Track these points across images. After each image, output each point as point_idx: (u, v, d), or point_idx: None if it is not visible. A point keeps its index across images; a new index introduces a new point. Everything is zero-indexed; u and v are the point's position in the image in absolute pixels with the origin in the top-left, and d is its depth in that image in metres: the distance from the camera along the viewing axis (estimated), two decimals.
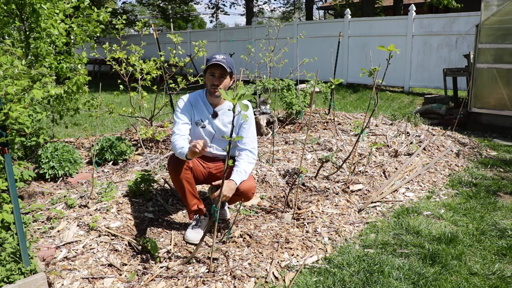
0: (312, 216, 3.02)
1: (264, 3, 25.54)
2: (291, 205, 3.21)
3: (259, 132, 5.15)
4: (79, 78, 3.62)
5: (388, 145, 4.62)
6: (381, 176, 3.87)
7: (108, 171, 3.86)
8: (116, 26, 4.50)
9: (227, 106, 2.70)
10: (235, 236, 2.71)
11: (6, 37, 3.74)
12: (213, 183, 2.67)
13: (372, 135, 5.06)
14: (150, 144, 4.64)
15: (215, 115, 2.70)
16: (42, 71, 2.82)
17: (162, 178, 3.48)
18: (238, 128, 2.70)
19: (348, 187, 3.53)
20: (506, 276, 2.30)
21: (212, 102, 2.69)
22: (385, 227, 2.93)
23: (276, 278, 2.30)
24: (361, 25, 11.21)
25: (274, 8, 28.09)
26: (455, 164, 4.42)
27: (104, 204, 2.94)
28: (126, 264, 2.38)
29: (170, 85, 4.56)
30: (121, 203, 2.99)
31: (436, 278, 2.28)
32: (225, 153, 2.77)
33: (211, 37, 15.51)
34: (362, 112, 7.43)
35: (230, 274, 2.28)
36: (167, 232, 2.78)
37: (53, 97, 3.68)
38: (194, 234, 2.67)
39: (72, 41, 4.00)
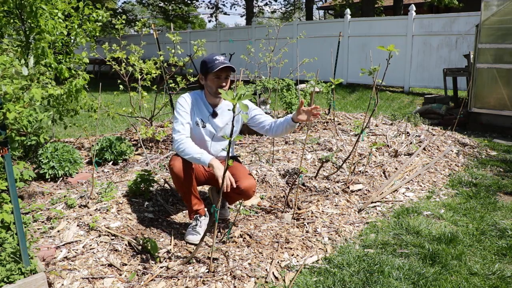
0: (312, 216, 3.02)
1: (265, 4, 25.59)
2: (291, 205, 3.21)
3: None
4: (78, 81, 3.62)
5: (388, 145, 4.62)
6: (381, 176, 3.86)
7: (108, 171, 3.86)
8: (116, 26, 4.50)
9: (225, 105, 2.72)
10: (235, 236, 2.71)
11: (6, 37, 3.74)
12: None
13: (372, 135, 5.06)
14: (150, 144, 4.64)
15: (215, 114, 2.71)
16: (40, 70, 2.81)
17: (162, 178, 3.48)
18: (250, 119, 2.78)
19: (348, 187, 3.52)
20: (506, 276, 2.30)
21: (211, 102, 2.71)
22: (385, 227, 2.93)
23: (276, 278, 2.30)
24: (361, 25, 11.21)
25: (275, 9, 28.00)
26: (455, 164, 4.42)
27: (104, 204, 2.94)
28: (126, 264, 2.38)
29: (170, 85, 4.56)
30: (121, 203, 2.99)
31: (436, 278, 2.28)
32: (225, 154, 2.77)
33: (211, 37, 15.51)
34: (362, 112, 7.42)
35: (230, 274, 2.28)
36: (167, 232, 2.78)
37: (52, 98, 3.68)
38: (194, 234, 2.67)
39: (72, 41, 3.99)
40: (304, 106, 2.50)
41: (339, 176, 3.74)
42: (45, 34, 3.44)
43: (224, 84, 2.62)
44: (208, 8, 26.31)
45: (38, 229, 2.63)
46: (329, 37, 11.61)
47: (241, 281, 2.23)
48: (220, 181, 2.30)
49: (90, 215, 2.79)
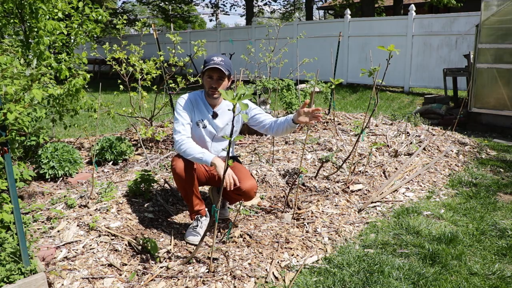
0: (312, 216, 3.02)
1: (264, 4, 25.59)
2: (291, 205, 3.21)
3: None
4: (77, 81, 3.62)
5: (388, 145, 4.62)
6: (381, 176, 3.86)
7: (108, 171, 3.86)
8: (117, 26, 4.51)
9: (225, 105, 2.72)
10: (235, 236, 2.71)
11: (6, 37, 3.74)
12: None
13: (372, 135, 5.06)
14: (150, 144, 4.64)
15: (215, 115, 2.72)
16: (41, 71, 2.81)
17: (162, 178, 3.48)
18: (250, 118, 2.76)
19: (348, 187, 3.52)
20: (506, 276, 2.30)
21: (211, 102, 2.72)
22: (385, 227, 2.93)
23: (276, 278, 2.30)
24: (361, 25, 11.21)
25: (274, 9, 28.01)
26: (455, 164, 4.42)
27: (104, 204, 2.94)
28: (126, 264, 2.38)
29: (170, 85, 4.56)
30: (121, 203, 2.99)
31: (436, 278, 2.28)
32: (225, 154, 2.77)
33: (211, 37, 15.50)
34: (362, 112, 7.43)
35: (230, 274, 2.28)
36: (167, 232, 2.78)
37: (52, 98, 3.68)
38: (195, 235, 2.68)
39: (72, 41, 3.99)
40: (306, 108, 2.49)
41: (339, 176, 3.74)
42: (44, 33, 3.44)
43: (215, 85, 2.60)
44: (208, 7, 26.29)
45: (38, 229, 2.63)
46: (329, 37, 11.61)
47: (241, 281, 2.23)
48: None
49: (90, 215, 2.79)
